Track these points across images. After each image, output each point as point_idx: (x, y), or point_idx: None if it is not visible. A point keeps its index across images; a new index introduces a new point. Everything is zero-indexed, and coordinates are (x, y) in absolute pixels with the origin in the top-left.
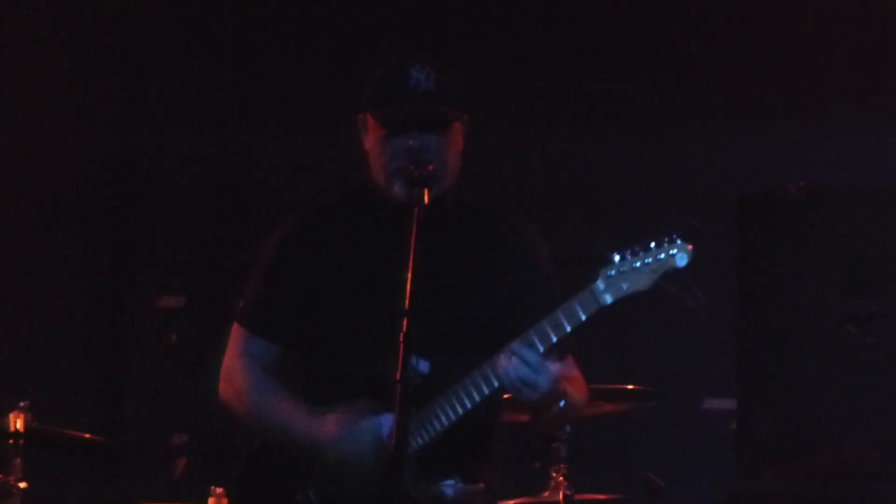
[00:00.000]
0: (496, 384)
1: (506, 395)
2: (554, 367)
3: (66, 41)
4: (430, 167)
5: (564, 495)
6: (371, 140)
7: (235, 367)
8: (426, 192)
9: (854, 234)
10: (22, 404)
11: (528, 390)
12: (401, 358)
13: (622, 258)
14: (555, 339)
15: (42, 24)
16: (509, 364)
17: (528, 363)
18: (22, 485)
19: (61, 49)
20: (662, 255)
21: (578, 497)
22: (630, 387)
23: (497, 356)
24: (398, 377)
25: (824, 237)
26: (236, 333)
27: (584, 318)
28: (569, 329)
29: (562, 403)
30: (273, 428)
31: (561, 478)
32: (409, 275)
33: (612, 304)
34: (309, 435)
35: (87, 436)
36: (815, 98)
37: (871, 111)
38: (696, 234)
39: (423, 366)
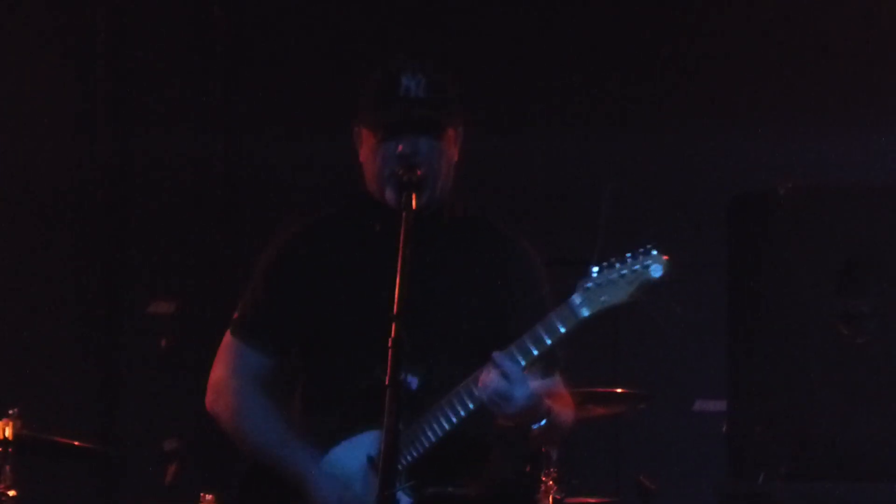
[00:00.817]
0: (478, 396)
1: None
2: (534, 383)
3: (61, 45)
4: (419, 172)
5: (554, 499)
6: (365, 149)
7: (227, 383)
8: (413, 196)
9: (846, 234)
10: (11, 412)
11: (504, 403)
12: (389, 363)
13: (600, 270)
14: (536, 353)
15: (39, 28)
16: (487, 376)
17: (506, 376)
18: (11, 493)
19: (56, 52)
20: (638, 267)
21: (569, 501)
22: (621, 390)
23: (480, 370)
24: (387, 382)
25: (815, 237)
26: (229, 344)
27: (563, 331)
28: (549, 342)
29: (543, 422)
30: (262, 450)
31: (551, 482)
32: (398, 279)
33: (590, 317)
34: (297, 459)
35: (77, 442)
36: (805, 98)
37: (863, 110)
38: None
39: (412, 382)
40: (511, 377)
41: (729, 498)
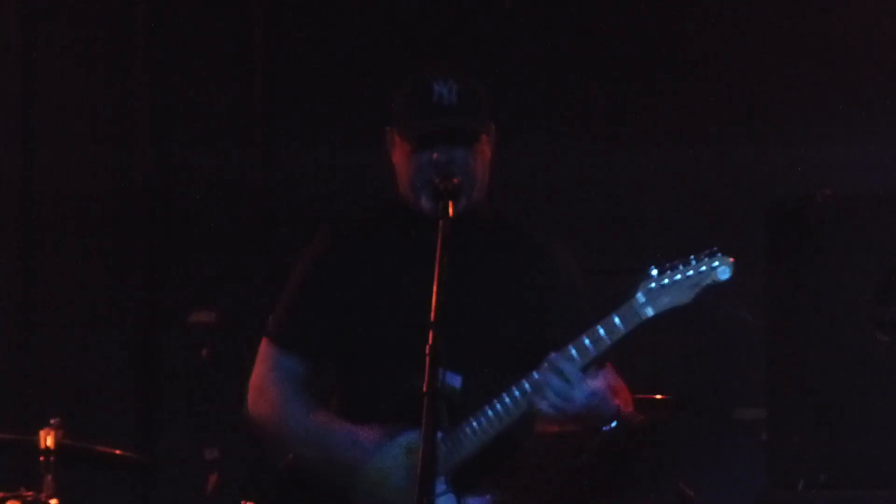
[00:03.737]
0: (533, 399)
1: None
2: (595, 382)
3: (101, 56)
4: (456, 180)
5: None
6: (398, 154)
7: (267, 383)
8: (451, 204)
9: (884, 241)
10: (53, 421)
11: (564, 405)
12: (427, 370)
13: (661, 272)
14: (595, 354)
15: (79, 39)
16: (545, 375)
17: (563, 376)
18: (53, 501)
19: (96, 64)
20: (704, 269)
21: None
22: (661, 396)
23: (534, 371)
24: (425, 390)
25: (854, 244)
26: (266, 350)
27: (625, 331)
28: (609, 343)
29: (613, 424)
30: (309, 441)
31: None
32: (435, 287)
33: (653, 317)
34: (347, 446)
35: (118, 451)
36: (844, 104)
37: None
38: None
39: (455, 380)
40: (570, 377)
41: None
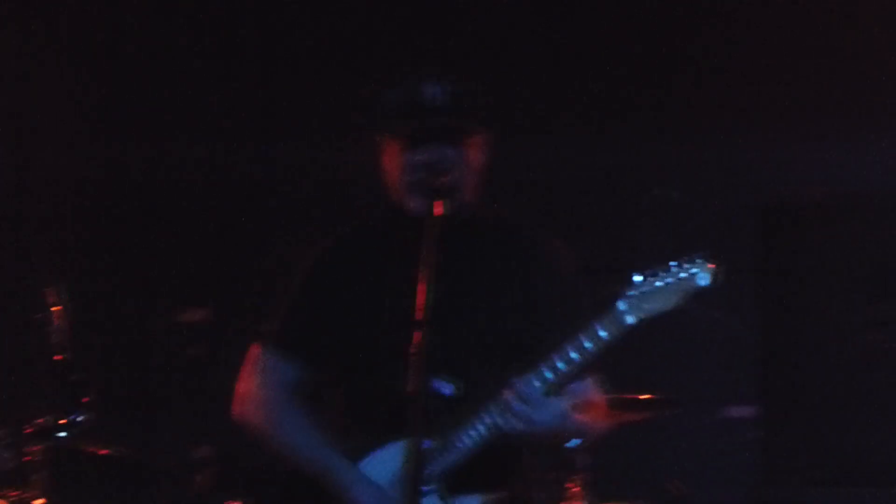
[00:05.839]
0: (499, 421)
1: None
2: (561, 402)
3: (87, 51)
4: (446, 178)
5: None
6: (388, 157)
7: (259, 394)
8: (440, 203)
9: (876, 240)
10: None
11: (524, 427)
12: (414, 372)
13: (643, 278)
14: (579, 362)
15: (46, 35)
16: (507, 399)
17: (524, 399)
18: (40, 501)
19: (72, 60)
20: (684, 275)
21: None
22: (650, 396)
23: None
24: (409, 391)
25: (846, 244)
26: (261, 357)
27: (608, 339)
28: (592, 350)
29: (577, 441)
30: (299, 464)
31: (577, 489)
32: (423, 287)
33: (635, 324)
34: (337, 465)
35: (105, 451)
36: (837, 104)
37: (894, 116)
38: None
39: (446, 389)
40: (530, 401)
41: (761, 503)
